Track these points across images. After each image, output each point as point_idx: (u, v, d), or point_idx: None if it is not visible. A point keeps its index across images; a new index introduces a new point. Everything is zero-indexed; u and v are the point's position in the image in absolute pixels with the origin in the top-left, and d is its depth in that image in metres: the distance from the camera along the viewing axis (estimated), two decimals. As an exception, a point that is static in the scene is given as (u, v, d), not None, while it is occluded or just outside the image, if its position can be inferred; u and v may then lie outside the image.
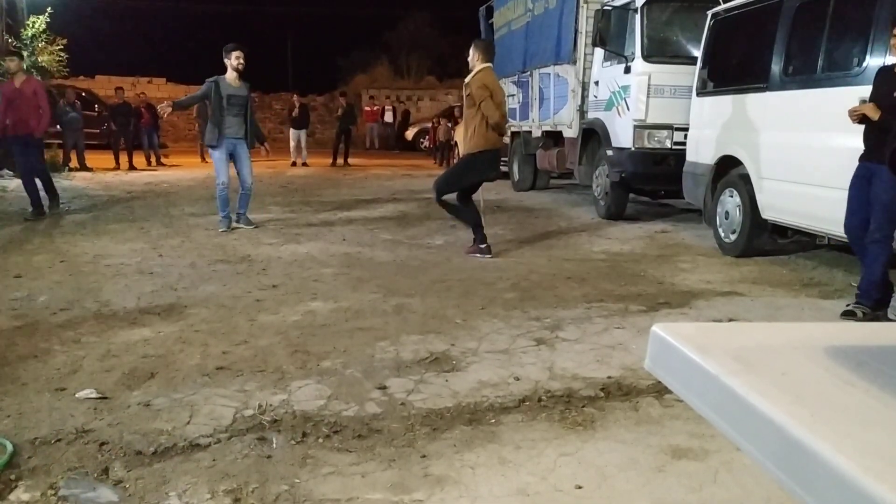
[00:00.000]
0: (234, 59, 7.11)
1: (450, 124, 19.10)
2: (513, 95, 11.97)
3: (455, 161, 6.10)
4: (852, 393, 0.80)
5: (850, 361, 0.89)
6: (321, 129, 26.77)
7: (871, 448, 0.64)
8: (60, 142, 14.83)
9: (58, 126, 14.56)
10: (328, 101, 29.15)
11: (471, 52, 6.08)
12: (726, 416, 0.79)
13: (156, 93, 26.03)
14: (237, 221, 7.47)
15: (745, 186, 5.98)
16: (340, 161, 17.81)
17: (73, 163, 14.50)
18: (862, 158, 4.24)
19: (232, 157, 7.30)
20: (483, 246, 6.13)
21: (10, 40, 14.46)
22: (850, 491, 0.59)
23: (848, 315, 4.29)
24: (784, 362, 0.88)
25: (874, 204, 4.15)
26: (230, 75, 7.16)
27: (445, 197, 6.13)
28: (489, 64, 6.06)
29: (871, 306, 4.32)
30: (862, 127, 4.23)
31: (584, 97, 9.10)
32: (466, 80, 6.07)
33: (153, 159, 16.45)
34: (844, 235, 4.50)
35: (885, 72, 4.23)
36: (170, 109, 7.27)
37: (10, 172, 12.73)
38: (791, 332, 1.04)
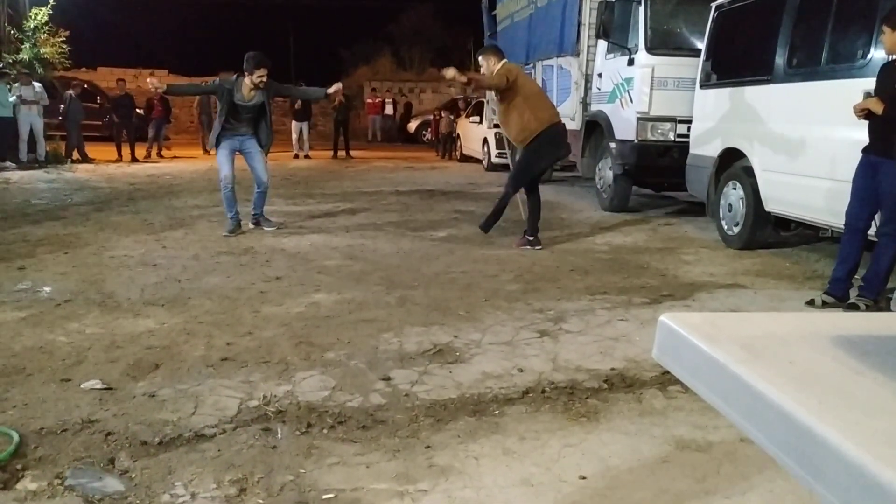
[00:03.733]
0: (255, 77, 6.37)
1: (452, 116, 19.09)
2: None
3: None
4: (859, 381, 0.80)
5: (856, 350, 0.90)
6: (323, 121, 26.69)
7: (880, 435, 0.64)
8: (63, 133, 14.84)
9: (59, 117, 14.62)
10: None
11: (481, 62, 6.20)
12: (734, 404, 0.79)
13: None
14: (256, 224, 6.91)
15: (748, 179, 5.98)
16: (342, 153, 17.81)
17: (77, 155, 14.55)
18: (866, 151, 4.24)
19: (241, 153, 6.73)
20: (532, 238, 6.16)
21: (12, 32, 14.46)
22: (859, 477, 0.60)
23: (851, 308, 4.30)
24: (791, 351, 0.88)
25: (883, 198, 4.15)
26: (246, 86, 6.47)
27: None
28: (504, 60, 6.20)
29: (874, 298, 4.32)
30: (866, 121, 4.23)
31: (587, 89, 9.09)
32: None
33: (154, 151, 16.45)
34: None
35: (888, 67, 4.22)
36: (162, 88, 6.77)
37: (14, 164, 12.76)
38: (798, 322, 1.05)
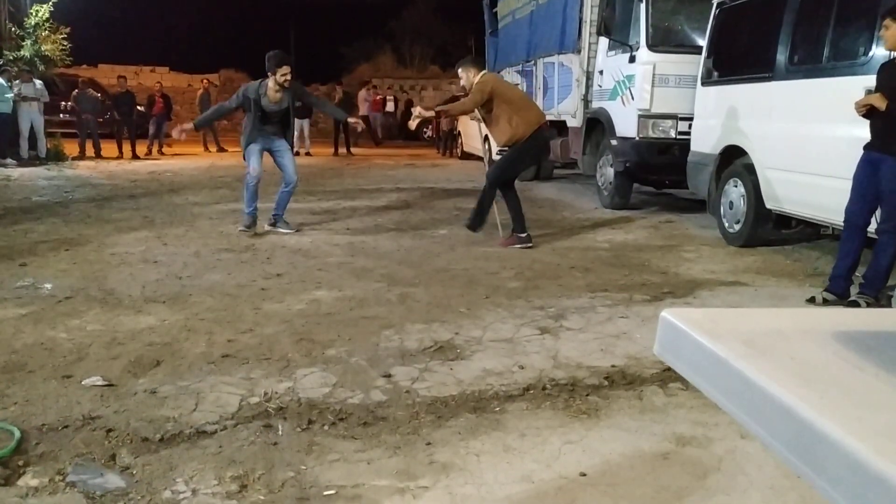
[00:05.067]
0: (279, 76, 6.16)
1: (453, 114, 19.04)
2: (517, 85, 11.94)
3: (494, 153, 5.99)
4: (861, 377, 0.80)
5: (858, 346, 0.90)
6: (324, 118, 26.71)
7: (882, 430, 0.64)
8: (70, 131, 14.96)
9: (63, 115, 14.68)
10: (330, 90, 29.13)
11: (461, 74, 6.09)
12: (736, 399, 0.79)
13: (159, 82, 26.04)
14: (273, 225, 6.65)
15: (749, 176, 5.98)
16: (343, 150, 17.82)
17: (90, 152, 14.81)
18: (867, 147, 4.23)
19: (269, 152, 6.54)
20: (524, 235, 6.08)
21: (13, 29, 14.46)
22: (860, 472, 0.60)
23: (852, 305, 4.29)
24: (793, 347, 0.88)
25: (883, 195, 4.14)
26: (272, 88, 6.25)
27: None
28: (484, 71, 6.14)
29: (874, 296, 4.32)
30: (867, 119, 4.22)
31: (588, 86, 9.08)
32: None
33: (155, 148, 16.46)
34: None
35: (888, 65, 4.21)
36: (189, 127, 6.57)
37: (14, 161, 12.77)
38: (799, 318, 1.05)
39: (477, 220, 6.19)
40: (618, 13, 8.00)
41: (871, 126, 4.20)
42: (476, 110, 6.09)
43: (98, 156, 14.86)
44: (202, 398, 2.82)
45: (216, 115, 6.74)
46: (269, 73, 6.23)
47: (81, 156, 14.78)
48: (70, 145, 14.83)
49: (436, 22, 34.35)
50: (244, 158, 6.54)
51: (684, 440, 2.53)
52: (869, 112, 4.13)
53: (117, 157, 15.06)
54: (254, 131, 6.35)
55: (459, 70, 6.13)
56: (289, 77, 6.24)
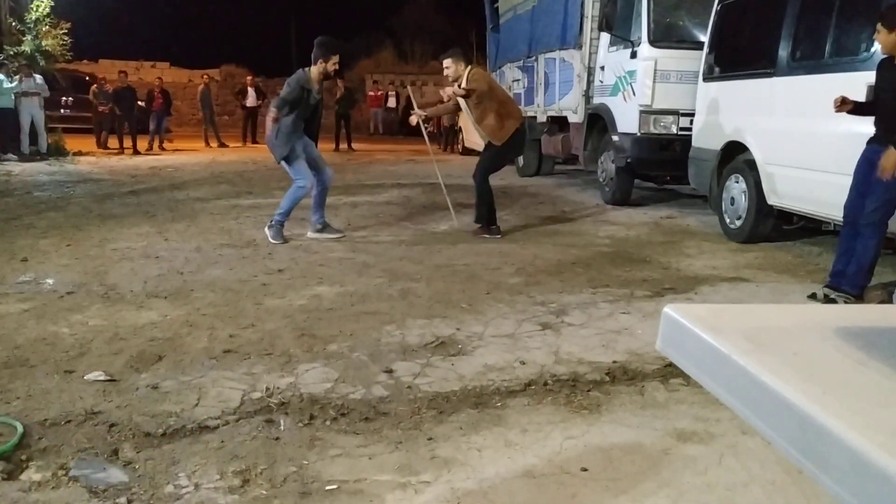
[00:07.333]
0: (330, 65, 5.74)
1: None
2: (518, 80, 11.94)
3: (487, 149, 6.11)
4: (864, 372, 0.80)
5: (860, 342, 0.90)
6: (325, 114, 26.71)
7: (884, 425, 0.64)
8: (73, 127, 15.05)
9: (64, 111, 14.68)
10: (331, 86, 29.09)
11: (449, 64, 6.15)
12: (738, 394, 0.79)
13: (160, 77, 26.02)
14: (320, 231, 6.16)
15: (750, 172, 5.97)
16: (344, 146, 17.81)
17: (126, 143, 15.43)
18: (872, 141, 4.21)
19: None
20: (493, 227, 6.32)
21: (13, 24, 14.44)
22: (862, 467, 0.60)
23: (829, 303, 4.27)
24: (795, 342, 0.88)
25: (877, 184, 4.12)
26: (316, 78, 5.81)
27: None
28: (471, 66, 6.27)
29: (856, 294, 4.27)
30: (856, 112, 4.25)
31: (589, 82, 9.07)
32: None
33: (156, 144, 16.47)
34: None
35: (888, 63, 4.20)
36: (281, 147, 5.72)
37: (15, 156, 12.77)
38: (801, 314, 1.05)
39: (486, 216, 6.39)
40: (619, 8, 7.99)
41: (878, 120, 4.18)
42: (465, 103, 6.16)
43: (121, 147, 15.42)
44: (204, 393, 2.83)
45: (291, 110, 5.73)
46: (317, 61, 5.75)
47: (119, 149, 15.12)
48: (72, 141, 14.82)
49: (437, 17, 34.35)
50: (278, 162, 5.95)
51: (685, 436, 2.53)
52: (853, 110, 4.16)
53: (118, 153, 15.08)
54: (295, 132, 5.78)
55: (448, 60, 6.19)
56: (338, 66, 5.88)
